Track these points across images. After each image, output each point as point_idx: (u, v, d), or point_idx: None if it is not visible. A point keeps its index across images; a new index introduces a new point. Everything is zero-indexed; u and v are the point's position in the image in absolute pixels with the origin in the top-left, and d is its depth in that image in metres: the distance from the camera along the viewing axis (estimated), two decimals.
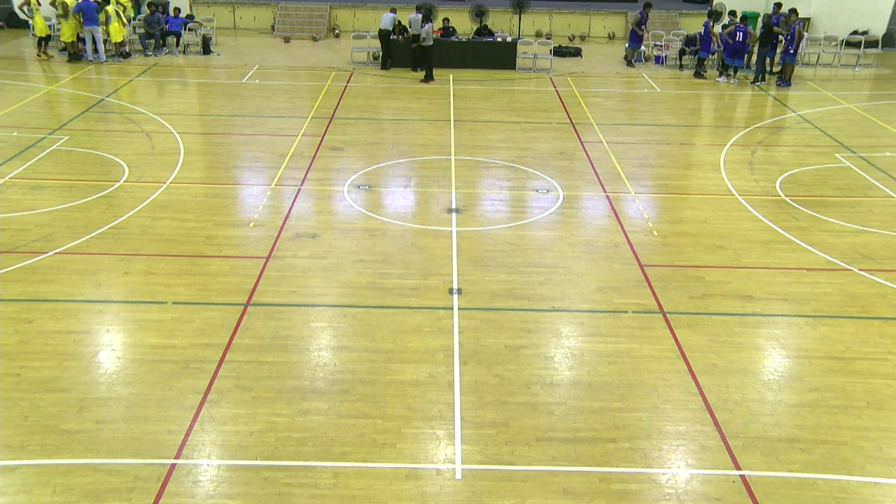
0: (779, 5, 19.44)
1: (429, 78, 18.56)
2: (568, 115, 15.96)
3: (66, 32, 18.78)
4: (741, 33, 18.31)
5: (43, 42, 19.40)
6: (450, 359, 7.53)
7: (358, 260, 9.46)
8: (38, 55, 19.35)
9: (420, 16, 18.59)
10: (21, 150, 12.84)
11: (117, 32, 19.26)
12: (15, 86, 16.96)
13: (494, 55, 19.89)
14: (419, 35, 18.47)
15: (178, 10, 20.95)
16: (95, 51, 19.19)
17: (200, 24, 21.13)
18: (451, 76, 19.14)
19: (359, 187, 11.74)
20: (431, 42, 18.46)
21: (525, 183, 12.17)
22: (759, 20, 19.58)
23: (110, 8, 19.09)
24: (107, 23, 18.99)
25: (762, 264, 9.59)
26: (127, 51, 19.81)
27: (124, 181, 11.65)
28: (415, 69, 19.32)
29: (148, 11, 20.71)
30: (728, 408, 6.92)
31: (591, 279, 9.14)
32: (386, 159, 13.04)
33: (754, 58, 19.40)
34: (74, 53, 19.10)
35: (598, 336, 8.01)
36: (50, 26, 19.75)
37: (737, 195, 11.73)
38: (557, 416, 6.77)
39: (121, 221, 10.29)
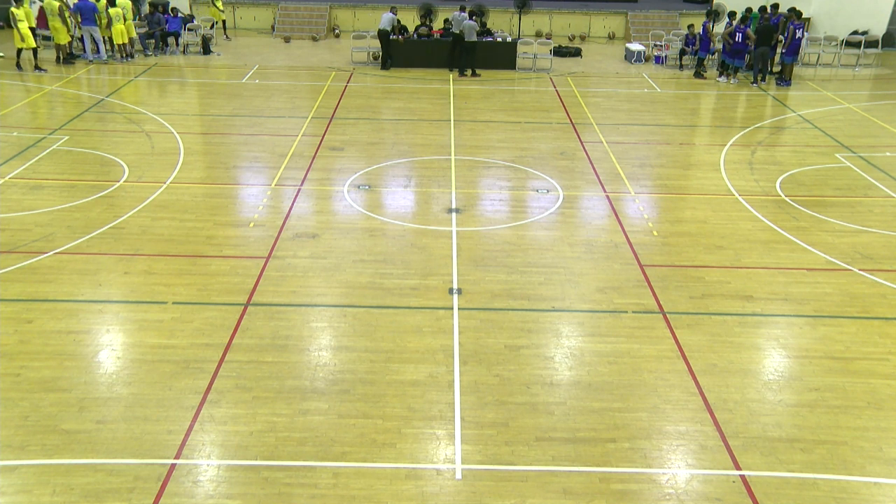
0: (776, 6, 19.45)
1: (475, 73, 19.20)
2: (568, 115, 15.96)
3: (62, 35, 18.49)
4: (740, 34, 18.32)
5: (21, 52, 18.35)
6: (450, 359, 7.53)
7: (358, 260, 9.46)
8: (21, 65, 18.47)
9: (465, 14, 18.97)
10: (21, 150, 12.84)
11: (120, 34, 19.20)
12: (15, 86, 16.96)
13: (494, 55, 19.88)
14: (461, 33, 18.92)
15: (175, 10, 20.93)
16: (96, 51, 19.18)
17: (199, 25, 21.12)
18: (451, 76, 19.15)
19: (359, 187, 11.74)
20: (475, 38, 19.00)
21: (525, 183, 12.17)
22: (757, 20, 19.58)
23: (114, 10, 19.00)
24: (108, 24, 18.95)
25: (762, 264, 9.60)
26: (131, 52, 19.78)
27: (124, 181, 11.65)
28: (451, 69, 19.55)
29: (148, 11, 20.72)
30: (728, 408, 6.92)
31: (591, 279, 9.14)
32: (386, 159, 13.04)
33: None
34: (66, 57, 18.93)
35: (598, 336, 8.01)
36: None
37: (737, 195, 11.73)
38: (557, 416, 6.77)
39: (121, 221, 10.29)
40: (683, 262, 9.63)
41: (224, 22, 23.04)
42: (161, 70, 18.93)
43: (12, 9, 17.49)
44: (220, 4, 22.48)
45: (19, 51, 18.10)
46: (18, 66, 18.30)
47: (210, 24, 22.18)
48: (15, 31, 17.63)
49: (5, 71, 18.25)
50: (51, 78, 17.69)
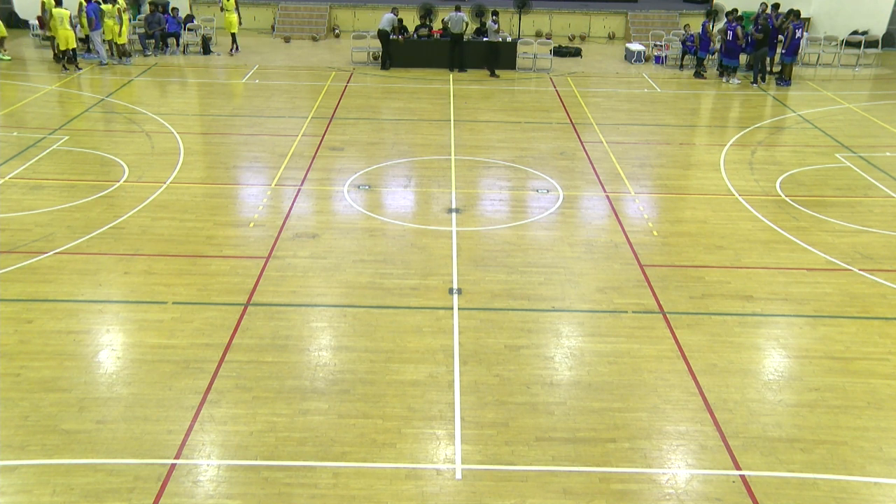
0: (776, 6, 19.43)
1: (493, 74, 19.44)
2: (568, 115, 15.96)
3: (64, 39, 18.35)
4: (731, 32, 18.30)
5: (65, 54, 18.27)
6: (450, 359, 7.53)
7: (358, 260, 9.46)
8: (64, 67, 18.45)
9: (462, 14, 19.15)
10: (21, 150, 12.84)
11: (123, 33, 19.12)
12: (15, 86, 16.96)
13: (495, 55, 19.88)
14: (460, 34, 19.13)
15: (176, 10, 20.90)
16: (97, 53, 19.13)
17: (199, 25, 21.09)
18: (451, 76, 19.14)
19: (359, 187, 11.74)
20: (496, 38, 19.51)
21: (525, 183, 12.17)
22: (753, 20, 19.55)
23: (117, 7, 18.94)
24: (119, 21, 18.88)
25: (762, 264, 9.60)
26: (128, 51, 19.74)
27: (124, 181, 11.65)
28: (452, 69, 19.66)
29: (148, 11, 20.70)
30: (728, 408, 6.92)
31: (591, 279, 9.14)
32: (386, 159, 13.04)
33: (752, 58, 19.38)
34: (68, 58, 18.83)
35: (598, 336, 8.01)
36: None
37: (737, 195, 11.73)
38: (557, 416, 6.77)
39: (121, 221, 10.29)
40: (683, 262, 9.63)
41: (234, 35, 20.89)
42: (161, 70, 18.93)
43: (58, 9, 17.49)
44: (233, 17, 20.60)
45: (66, 52, 18.01)
46: (65, 67, 18.13)
47: (232, 36, 21.11)
48: (70, 32, 17.63)
49: (6, 71, 18.25)
50: (51, 78, 17.69)
